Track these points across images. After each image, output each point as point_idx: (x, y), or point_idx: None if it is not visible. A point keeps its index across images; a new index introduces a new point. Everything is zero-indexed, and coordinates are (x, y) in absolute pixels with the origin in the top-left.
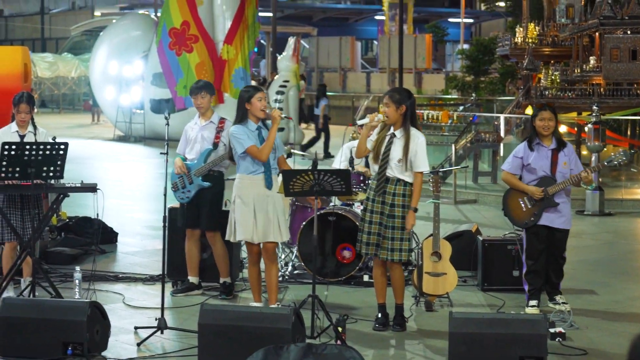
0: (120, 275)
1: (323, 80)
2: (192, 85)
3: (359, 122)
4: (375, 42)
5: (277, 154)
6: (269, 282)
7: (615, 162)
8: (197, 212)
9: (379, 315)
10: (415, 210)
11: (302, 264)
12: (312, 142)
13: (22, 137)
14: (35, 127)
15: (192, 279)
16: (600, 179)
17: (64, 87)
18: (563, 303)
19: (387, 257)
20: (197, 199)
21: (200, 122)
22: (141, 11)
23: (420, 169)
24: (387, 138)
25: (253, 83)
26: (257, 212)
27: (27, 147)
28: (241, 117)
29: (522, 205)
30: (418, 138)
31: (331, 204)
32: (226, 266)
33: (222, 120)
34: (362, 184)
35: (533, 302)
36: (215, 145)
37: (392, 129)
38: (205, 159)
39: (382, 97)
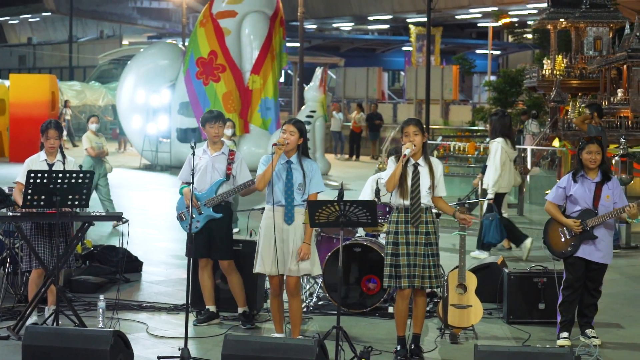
0: (145, 305)
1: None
2: (207, 115)
3: (406, 152)
4: (402, 72)
5: (305, 191)
6: (292, 316)
7: None
8: (207, 242)
9: (399, 347)
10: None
11: (327, 294)
12: None
13: (50, 165)
14: (64, 156)
15: (211, 307)
16: None
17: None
18: (594, 337)
19: (429, 284)
20: (206, 229)
21: (210, 152)
22: (169, 40)
23: (443, 193)
24: (411, 169)
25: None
26: (278, 244)
27: (53, 175)
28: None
29: (562, 235)
30: (439, 164)
31: (357, 234)
32: (243, 295)
33: (232, 152)
34: (388, 215)
35: (564, 334)
36: (228, 176)
37: (411, 159)
38: (216, 190)
39: (403, 128)
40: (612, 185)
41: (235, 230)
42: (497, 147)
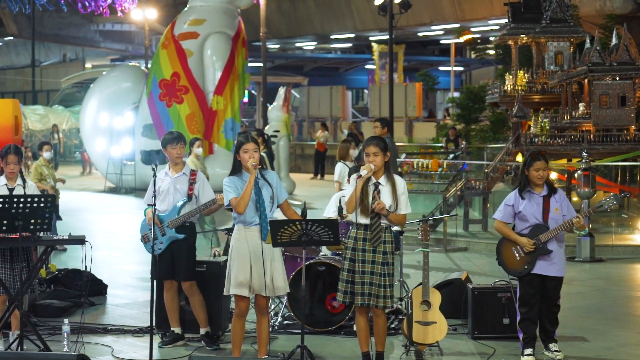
0: (110, 328)
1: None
2: (167, 136)
3: (362, 173)
4: (365, 91)
5: (275, 203)
6: (259, 335)
7: (606, 207)
8: (171, 263)
9: None
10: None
11: (292, 314)
12: None
13: (11, 190)
14: (24, 181)
15: (176, 329)
16: (590, 225)
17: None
18: (556, 351)
19: (383, 304)
20: (170, 250)
21: (171, 174)
22: (131, 63)
23: (406, 211)
24: (372, 188)
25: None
26: (253, 265)
27: (15, 200)
28: (234, 168)
29: (516, 254)
30: (402, 182)
31: (321, 253)
32: (205, 316)
33: (193, 173)
34: None
35: (528, 351)
36: (190, 197)
37: (372, 178)
38: (179, 211)
39: (365, 148)
40: (559, 198)
41: (217, 249)
42: None
